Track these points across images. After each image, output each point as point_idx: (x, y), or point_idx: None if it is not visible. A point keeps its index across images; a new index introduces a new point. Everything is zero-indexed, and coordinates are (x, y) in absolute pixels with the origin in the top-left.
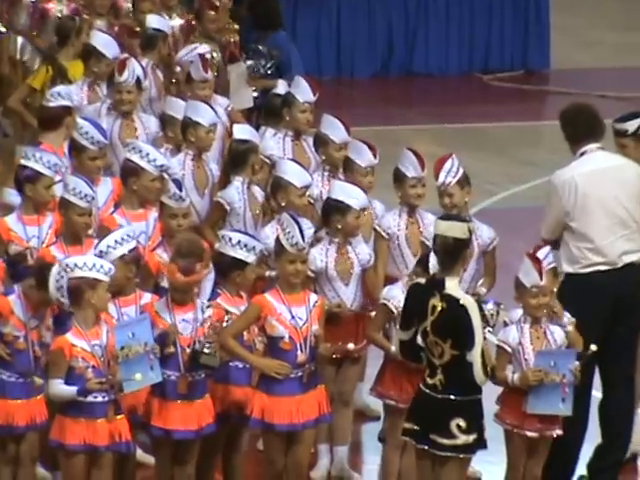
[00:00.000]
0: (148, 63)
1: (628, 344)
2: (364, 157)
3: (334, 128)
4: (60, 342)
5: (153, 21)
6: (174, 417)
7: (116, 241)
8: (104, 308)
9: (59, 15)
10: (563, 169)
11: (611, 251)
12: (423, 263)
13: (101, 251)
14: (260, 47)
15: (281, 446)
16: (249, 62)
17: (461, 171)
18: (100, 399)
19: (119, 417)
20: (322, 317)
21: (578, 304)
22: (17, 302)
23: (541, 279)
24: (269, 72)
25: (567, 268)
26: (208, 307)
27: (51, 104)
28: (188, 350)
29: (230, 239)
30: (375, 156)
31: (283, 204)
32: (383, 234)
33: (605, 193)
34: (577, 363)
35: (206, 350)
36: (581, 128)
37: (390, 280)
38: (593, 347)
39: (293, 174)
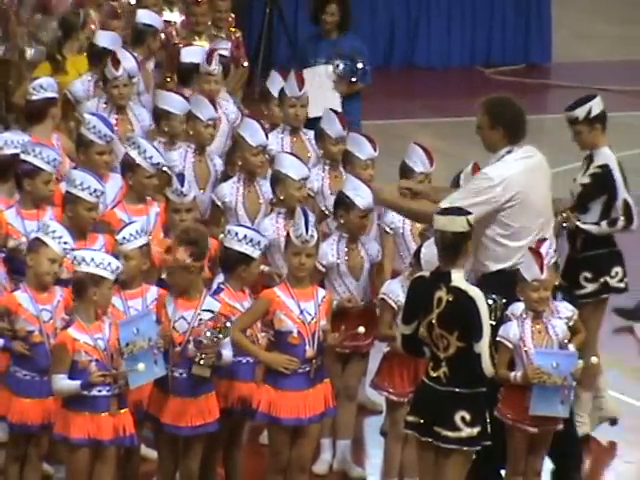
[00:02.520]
0: (137, 58)
1: None
2: (363, 150)
3: (330, 123)
4: (62, 337)
5: (143, 16)
6: (166, 411)
7: (137, 231)
8: (106, 305)
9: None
10: (497, 165)
11: None
12: (416, 256)
13: (124, 237)
14: (346, 51)
15: (287, 440)
16: (341, 66)
17: None
18: (104, 393)
19: (123, 411)
20: (329, 312)
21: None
22: (25, 296)
23: (542, 273)
24: (355, 77)
25: (494, 266)
26: (209, 311)
27: (34, 97)
28: (178, 348)
29: (237, 233)
30: (375, 149)
31: (282, 197)
32: (387, 229)
33: (539, 191)
34: (580, 364)
35: (201, 362)
36: (518, 126)
37: (396, 275)
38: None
39: (290, 167)
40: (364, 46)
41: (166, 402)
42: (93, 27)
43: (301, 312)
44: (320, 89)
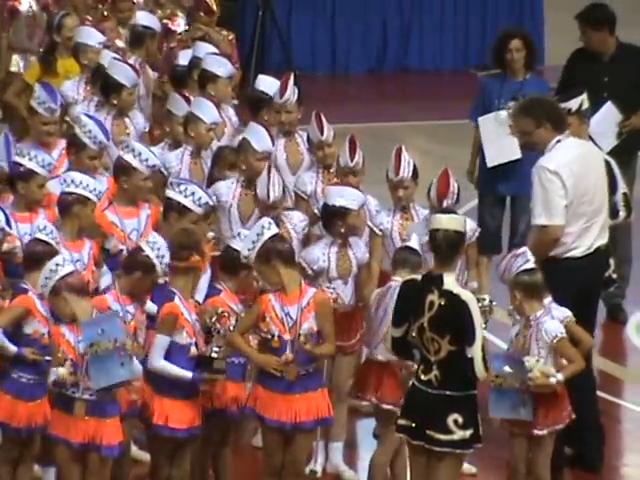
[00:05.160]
0: (136, 60)
1: (591, 328)
2: (343, 157)
3: (312, 128)
4: (55, 331)
5: (142, 18)
6: (182, 416)
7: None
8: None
9: (29, 11)
10: (548, 156)
11: (589, 236)
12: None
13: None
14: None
15: (277, 441)
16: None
17: (457, 187)
18: (69, 394)
19: (109, 420)
20: (322, 311)
21: (556, 289)
22: (36, 298)
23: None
24: None
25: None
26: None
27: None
28: (201, 350)
29: (247, 237)
30: (352, 159)
31: (243, 167)
32: (376, 230)
33: (590, 179)
34: (531, 375)
35: (214, 355)
36: (558, 117)
37: (385, 276)
38: (553, 380)
39: (254, 137)
40: (548, 87)
41: (180, 407)
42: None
43: (284, 315)
44: (498, 137)
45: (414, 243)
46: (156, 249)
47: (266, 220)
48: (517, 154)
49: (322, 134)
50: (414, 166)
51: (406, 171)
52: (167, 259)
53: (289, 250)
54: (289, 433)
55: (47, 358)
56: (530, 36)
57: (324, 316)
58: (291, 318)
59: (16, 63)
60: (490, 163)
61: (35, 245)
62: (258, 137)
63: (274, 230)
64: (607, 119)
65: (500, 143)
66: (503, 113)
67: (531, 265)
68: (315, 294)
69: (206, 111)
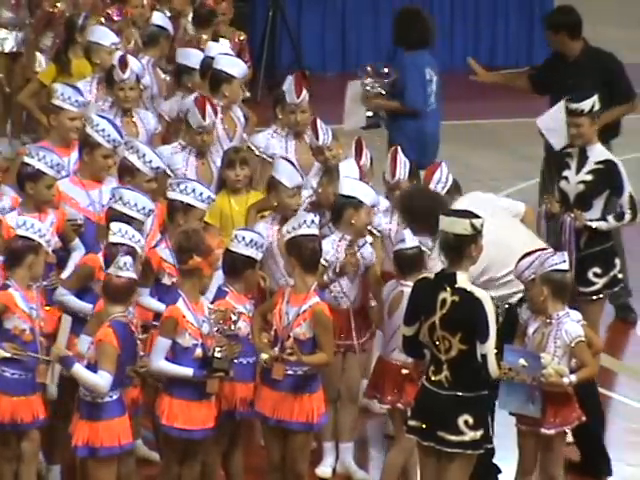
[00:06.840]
0: (150, 60)
1: None
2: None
3: (310, 133)
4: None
5: (157, 18)
6: (192, 417)
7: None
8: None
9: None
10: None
11: None
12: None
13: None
14: (382, 65)
15: (272, 436)
16: (367, 80)
17: (450, 180)
18: (17, 375)
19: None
20: (316, 321)
21: None
22: (18, 294)
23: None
24: (384, 92)
25: None
26: (218, 310)
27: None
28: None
29: (243, 238)
30: (358, 161)
31: (275, 203)
32: (374, 232)
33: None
34: (545, 372)
35: (217, 354)
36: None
37: (386, 277)
38: (565, 380)
39: (284, 173)
40: (416, 67)
41: (191, 408)
42: None
43: (285, 314)
44: (352, 103)
45: (409, 242)
46: (128, 235)
47: (311, 217)
48: (361, 123)
49: (318, 139)
50: (410, 166)
51: (402, 172)
52: (143, 241)
53: (309, 257)
54: (285, 433)
55: (30, 354)
56: (402, 14)
57: (318, 326)
58: (288, 318)
59: (39, 63)
60: (345, 127)
61: (16, 241)
62: (288, 174)
63: (312, 230)
64: (558, 118)
65: (353, 110)
66: (358, 82)
67: (566, 267)
68: (315, 303)
69: (193, 115)
